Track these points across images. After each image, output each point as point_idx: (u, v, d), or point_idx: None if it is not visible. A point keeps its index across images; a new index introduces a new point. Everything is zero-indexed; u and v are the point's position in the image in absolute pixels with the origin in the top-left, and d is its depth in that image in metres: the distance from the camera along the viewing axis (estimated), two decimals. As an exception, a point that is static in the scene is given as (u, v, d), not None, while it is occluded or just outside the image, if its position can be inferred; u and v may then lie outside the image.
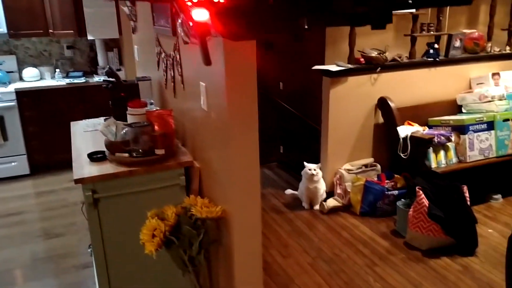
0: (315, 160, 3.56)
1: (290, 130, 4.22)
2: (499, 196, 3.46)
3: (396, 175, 3.38)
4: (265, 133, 4.39)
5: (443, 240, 2.81)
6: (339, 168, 3.56)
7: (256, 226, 1.82)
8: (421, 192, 2.84)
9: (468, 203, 2.87)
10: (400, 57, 3.52)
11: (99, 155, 2.09)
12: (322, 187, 3.53)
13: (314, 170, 3.42)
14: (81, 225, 2.24)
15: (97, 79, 4.47)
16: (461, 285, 2.52)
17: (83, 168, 2.03)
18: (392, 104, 3.40)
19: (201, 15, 0.93)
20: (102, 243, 2.10)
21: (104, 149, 2.11)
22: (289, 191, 3.83)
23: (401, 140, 3.29)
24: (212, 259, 2.07)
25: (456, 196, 2.84)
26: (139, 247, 1.80)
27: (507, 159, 3.41)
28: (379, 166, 3.57)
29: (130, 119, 2.17)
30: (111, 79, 2.52)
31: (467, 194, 2.89)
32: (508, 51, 3.86)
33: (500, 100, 3.46)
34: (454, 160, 3.32)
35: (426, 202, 2.81)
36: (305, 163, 3.45)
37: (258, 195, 1.83)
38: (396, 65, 3.49)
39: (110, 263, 2.14)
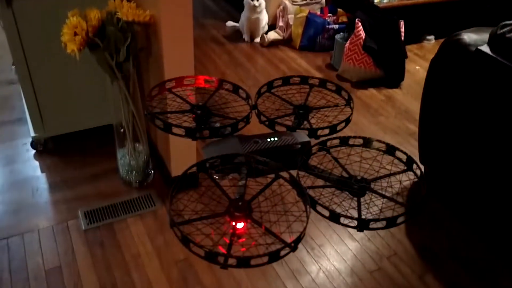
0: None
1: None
2: (432, 37, 3.57)
3: (339, 9, 3.33)
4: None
5: (372, 72, 2.93)
6: (283, -1, 3.42)
7: (187, 35, 1.75)
8: (359, 24, 2.85)
9: (402, 38, 2.95)
10: None
11: None
12: (264, 18, 3.43)
13: (257, 0, 3.27)
14: (3, 43, 2.05)
15: None
16: (381, 112, 2.74)
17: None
18: None
19: None
20: (23, 53, 1.97)
21: None
22: (230, 23, 3.70)
23: (349, -29, 3.15)
24: (142, 70, 2.03)
25: (392, 30, 2.88)
26: (64, 56, 1.69)
27: (446, 0, 3.43)
28: (323, 0, 3.47)
29: None
30: None
31: (402, 30, 2.94)
32: None
33: None
34: (398, -4, 3.29)
35: (363, 34, 2.84)
36: (248, -9, 3.27)
37: (189, 0, 1.72)
38: None
39: (34, 75, 2.04)
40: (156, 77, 1.89)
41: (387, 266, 1.78)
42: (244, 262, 0.70)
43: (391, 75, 2.94)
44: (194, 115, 1.04)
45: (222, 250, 0.73)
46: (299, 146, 0.95)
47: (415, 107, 2.76)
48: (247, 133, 1.02)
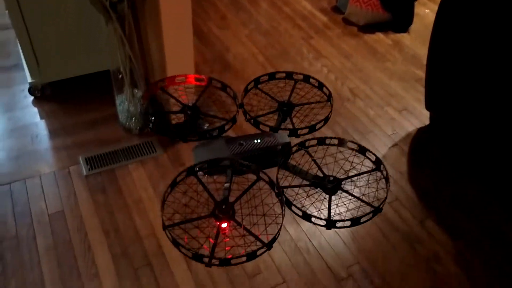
0: None
1: None
2: (444, -22, 3.38)
3: None
4: None
5: (380, 15, 2.81)
6: None
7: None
8: (368, -37, 2.69)
9: (413, -21, 2.79)
10: None
11: None
12: (266, -42, 3.25)
13: None
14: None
15: None
16: (388, 57, 2.65)
17: None
18: None
19: None
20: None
21: None
22: (231, -36, 3.51)
23: None
24: (138, 11, 1.94)
25: (402, -31, 2.72)
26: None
27: None
28: None
29: None
30: None
31: (413, -31, 2.78)
32: None
33: None
34: None
35: (371, -26, 2.69)
36: None
37: None
38: None
39: (28, 19, 1.96)
40: (152, 18, 1.81)
41: (388, 211, 1.78)
42: (225, 262, 0.83)
43: (399, 18, 2.82)
44: (185, 116, 1.13)
45: (207, 249, 0.84)
46: (280, 147, 1.06)
47: (423, 52, 2.67)
48: (235, 129, 1.12)
